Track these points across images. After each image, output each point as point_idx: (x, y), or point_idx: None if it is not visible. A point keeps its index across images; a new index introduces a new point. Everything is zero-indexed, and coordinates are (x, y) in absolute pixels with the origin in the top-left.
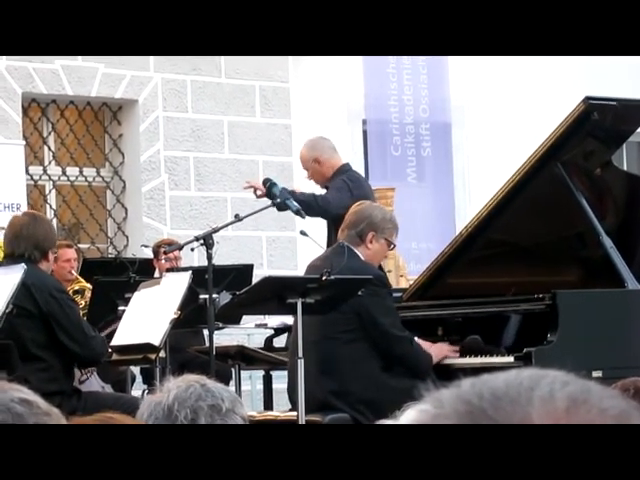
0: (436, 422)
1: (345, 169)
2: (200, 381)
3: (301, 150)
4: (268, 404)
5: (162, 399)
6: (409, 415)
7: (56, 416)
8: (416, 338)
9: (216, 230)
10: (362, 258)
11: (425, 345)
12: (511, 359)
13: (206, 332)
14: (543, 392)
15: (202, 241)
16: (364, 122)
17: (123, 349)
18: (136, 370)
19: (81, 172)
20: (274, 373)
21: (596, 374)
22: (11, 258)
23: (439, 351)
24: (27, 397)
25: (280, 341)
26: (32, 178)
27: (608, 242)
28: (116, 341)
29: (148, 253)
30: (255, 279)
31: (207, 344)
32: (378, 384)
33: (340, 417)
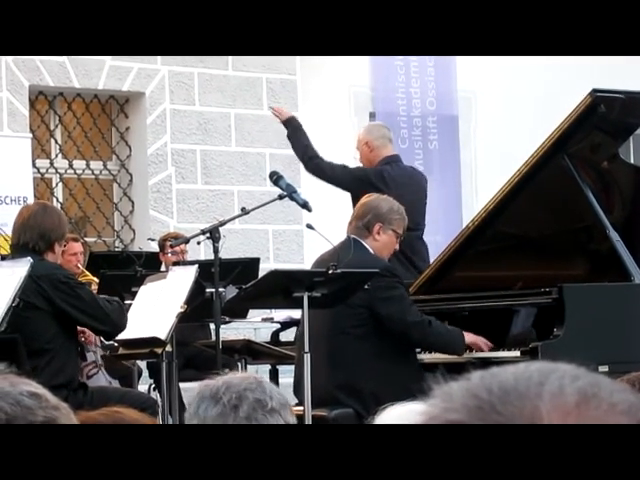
0: (445, 416)
1: (387, 161)
2: (258, 377)
3: (360, 131)
4: None
5: (213, 382)
6: (419, 408)
7: (65, 410)
8: None
9: (223, 223)
10: (370, 250)
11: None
12: (517, 353)
13: (212, 326)
14: (553, 387)
15: (208, 234)
16: (371, 115)
17: (129, 343)
18: (142, 364)
19: (88, 165)
20: (280, 367)
21: (602, 368)
22: (16, 247)
23: (472, 340)
24: (36, 391)
25: (287, 335)
26: (39, 171)
27: (615, 235)
28: (123, 335)
29: (154, 247)
30: (261, 273)
31: (213, 338)
32: (388, 380)
33: (345, 412)
